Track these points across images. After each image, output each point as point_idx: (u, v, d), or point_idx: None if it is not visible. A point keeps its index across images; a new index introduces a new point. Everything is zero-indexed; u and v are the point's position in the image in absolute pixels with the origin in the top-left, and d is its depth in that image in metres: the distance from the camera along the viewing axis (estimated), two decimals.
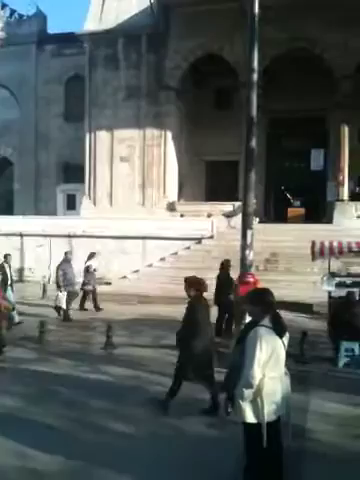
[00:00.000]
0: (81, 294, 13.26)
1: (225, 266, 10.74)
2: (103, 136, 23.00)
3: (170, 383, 5.90)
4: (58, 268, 12.37)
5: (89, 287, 13.31)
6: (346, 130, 20.27)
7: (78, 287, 13.09)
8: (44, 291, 15.43)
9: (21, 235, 19.92)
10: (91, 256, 13.86)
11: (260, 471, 3.91)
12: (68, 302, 12.10)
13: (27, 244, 19.85)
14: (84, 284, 13.33)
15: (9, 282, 11.30)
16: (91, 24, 23.05)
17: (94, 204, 23.09)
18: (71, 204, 25.47)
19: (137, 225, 18.84)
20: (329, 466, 4.65)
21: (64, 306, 11.95)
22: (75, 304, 12.74)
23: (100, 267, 14.69)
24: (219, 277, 10.59)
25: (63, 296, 11.97)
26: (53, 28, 70.38)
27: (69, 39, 24.58)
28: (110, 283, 17.09)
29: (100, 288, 14.34)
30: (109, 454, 4.73)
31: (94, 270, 13.58)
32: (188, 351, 5.70)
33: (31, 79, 27.13)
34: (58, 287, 12.16)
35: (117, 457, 4.67)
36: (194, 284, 5.96)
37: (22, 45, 26.68)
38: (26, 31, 27.11)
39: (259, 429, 3.73)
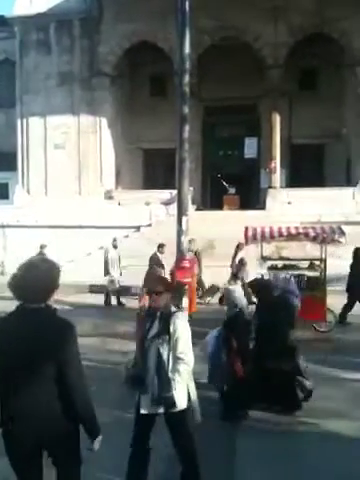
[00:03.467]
0: None
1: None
2: (36, 123, 22.39)
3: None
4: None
5: None
6: (277, 118, 20.90)
7: None
8: None
9: None
10: (42, 248, 13.48)
11: (195, 462, 3.85)
12: None
13: None
14: None
15: None
16: (21, 7, 22.27)
17: (28, 193, 22.51)
18: (3, 193, 24.66)
19: (73, 214, 18.58)
20: (260, 439, 4.94)
21: None
22: None
23: None
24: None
25: None
26: None
27: None
28: None
29: None
30: None
31: None
32: None
33: None
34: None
35: None
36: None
37: None
38: None
39: (185, 415, 3.76)
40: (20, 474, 2.83)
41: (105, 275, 12.82)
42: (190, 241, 10.76)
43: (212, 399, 5.65)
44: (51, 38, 22.17)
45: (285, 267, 9.87)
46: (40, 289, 2.73)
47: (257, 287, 6.34)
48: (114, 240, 13.39)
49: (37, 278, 2.73)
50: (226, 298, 5.82)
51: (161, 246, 12.74)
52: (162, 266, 11.90)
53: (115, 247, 13.18)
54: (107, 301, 12.75)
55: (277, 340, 5.55)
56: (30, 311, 2.72)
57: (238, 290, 5.86)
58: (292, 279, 7.50)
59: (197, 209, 20.51)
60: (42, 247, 12.76)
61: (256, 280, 7.39)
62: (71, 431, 2.81)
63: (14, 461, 2.79)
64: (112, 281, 12.70)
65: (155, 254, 12.74)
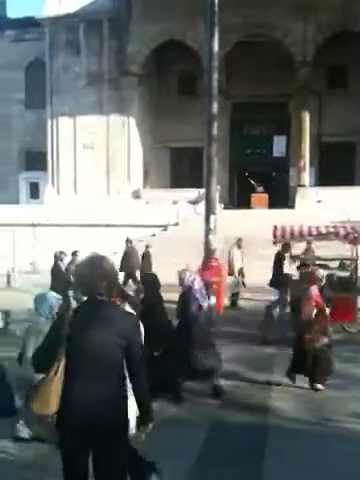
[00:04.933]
0: None
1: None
2: (65, 123, 22.68)
3: None
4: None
5: None
6: (306, 116, 20.63)
7: None
8: (8, 281, 15.29)
9: None
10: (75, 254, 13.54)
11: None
12: None
13: None
14: None
15: None
16: (51, 8, 22.58)
17: (58, 192, 22.81)
18: (34, 193, 25.07)
19: (101, 213, 18.74)
20: (290, 440, 4.87)
21: None
22: None
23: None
24: None
25: None
26: (13, 12, 68.49)
27: (29, 24, 24.04)
28: None
29: None
30: None
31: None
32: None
33: None
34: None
35: None
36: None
37: None
38: None
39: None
40: (68, 465, 2.87)
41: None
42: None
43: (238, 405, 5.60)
44: (80, 38, 22.41)
45: (315, 266, 9.71)
46: (105, 284, 2.90)
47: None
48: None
49: (102, 275, 2.89)
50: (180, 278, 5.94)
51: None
52: None
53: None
54: None
55: None
56: (98, 304, 2.89)
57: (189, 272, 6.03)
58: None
59: (225, 208, 20.41)
60: (74, 254, 12.61)
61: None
62: (124, 427, 2.90)
63: (65, 450, 2.85)
64: None
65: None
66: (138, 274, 12.78)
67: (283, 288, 9.08)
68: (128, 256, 13.66)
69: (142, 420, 2.98)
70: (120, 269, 11.25)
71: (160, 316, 5.83)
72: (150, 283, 5.96)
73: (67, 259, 12.52)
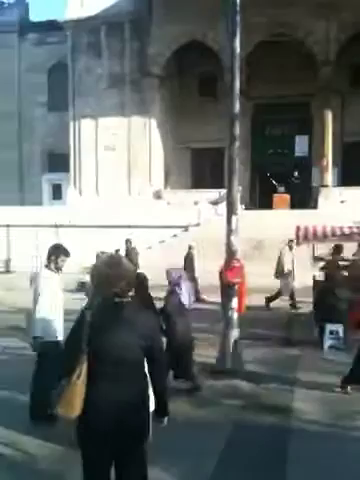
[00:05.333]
0: None
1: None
2: (87, 125, 22.88)
3: None
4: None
5: None
6: (329, 116, 20.42)
7: None
8: (31, 281, 15.40)
9: (8, 226, 19.80)
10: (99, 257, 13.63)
11: None
12: None
13: (13, 235, 19.73)
14: None
15: None
16: (73, 11, 22.82)
17: (80, 193, 23.02)
18: (57, 194, 25.35)
19: (123, 214, 18.83)
20: (313, 442, 4.81)
21: None
22: None
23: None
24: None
25: None
26: (35, 15, 69.27)
27: (51, 27, 24.37)
28: None
29: None
30: None
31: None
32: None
33: (13, 68, 26.82)
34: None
35: None
36: None
37: (4, 33, 26.34)
38: (7, 19, 26.74)
39: None
40: (90, 468, 2.86)
41: None
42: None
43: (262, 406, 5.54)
44: (102, 40, 22.59)
45: (338, 268, 9.61)
46: (124, 284, 2.90)
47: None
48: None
49: (121, 275, 2.89)
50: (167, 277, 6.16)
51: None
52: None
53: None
54: None
55: None
56: (118, 305, 2.89)
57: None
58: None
59: (246, 208, 20.31)
60: (98, 256, 12.61)
61: None
62: (147, 428, 2.93)
63: (88, 453, 2.84)
64: None
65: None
66: None
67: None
68: (128, 257, 13.57)
69: (158, 414, 3.04)
70: None
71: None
72: (141, 282, 5.89)
73: None
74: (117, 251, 12.68)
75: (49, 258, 5.25)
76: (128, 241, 14.14)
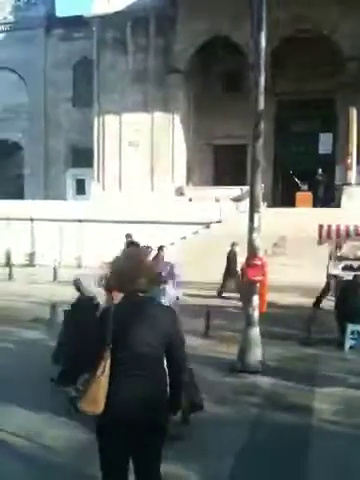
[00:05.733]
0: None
1: None
2: (111, 120, 23.01)
3: None
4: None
5: None
6: (354, 113, 20.13)
7: None
8: (55, 275, 15.61)
9: (31, 220, 20.09)
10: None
11: None
12: None
13: (37, 228, 20.01)
14: None
15: None
16: (99, 7, 22.94)
17: (103, 188, 23.19)
18: (81, 189, 25.58)
19: (145, 209, 18.91)
20: (335, 443, 4.80)
21: None
22: None
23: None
24: None
25: None
26: (61, 11, 69.79)
27: (77, 22, 24.50)
28: None
29: None
30: None
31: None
32: None
33: (40, 63, 27.11)
34: None
35: None
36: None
37: (30, 29, 26.64)
38: (34, 15, 27.02)
39: None
40: (108, 463, 2.89)
41: None
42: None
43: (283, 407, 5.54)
44: (127, 36, 22.67)
45: None
46: (144, 281, 2.91)
47: None
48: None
49: (142, 271, 2.92)
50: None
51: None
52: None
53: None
54: None
55: None
56: (140, 301, 2.92)
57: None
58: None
59: (268, 206, 20.18)
60: (160, 249, 12.28)
61: None
62: (166, 424, 2.95)
63: (107, 447, 2.86)
64: None
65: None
66: None
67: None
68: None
69: (171, 408, 3.03)
70: None
71: None
72: None
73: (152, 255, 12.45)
74: (148, 248, 12.34)
75: None
76: (128, 235, 13.71)
